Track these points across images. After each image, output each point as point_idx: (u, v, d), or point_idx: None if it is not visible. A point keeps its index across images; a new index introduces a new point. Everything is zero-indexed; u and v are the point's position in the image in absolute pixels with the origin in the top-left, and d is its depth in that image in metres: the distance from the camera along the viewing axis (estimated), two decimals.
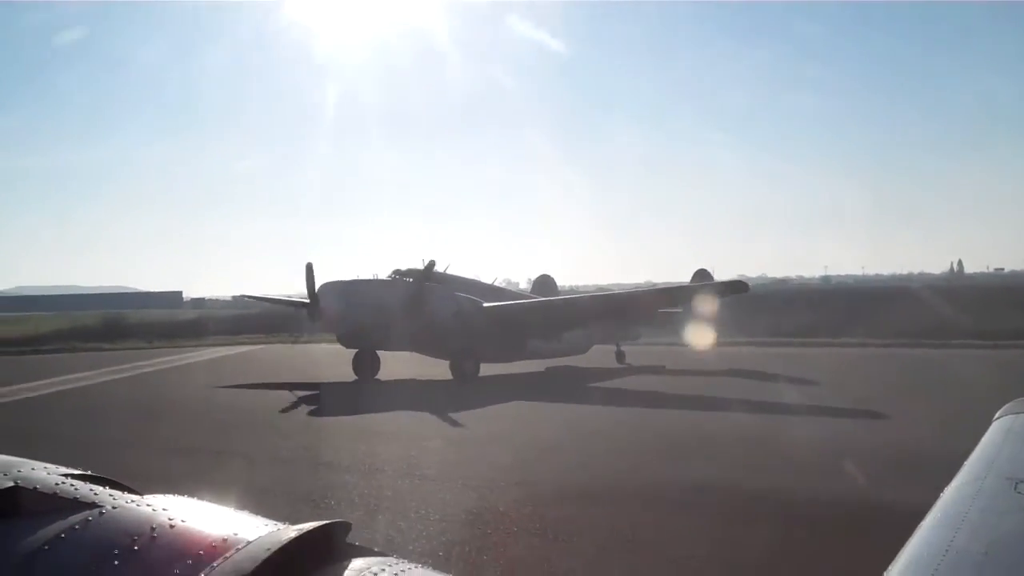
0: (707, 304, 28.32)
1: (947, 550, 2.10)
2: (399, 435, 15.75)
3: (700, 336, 32.50)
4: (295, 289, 29.33)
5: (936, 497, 2.51)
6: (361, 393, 23.33)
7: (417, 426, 16.82)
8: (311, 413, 19.20)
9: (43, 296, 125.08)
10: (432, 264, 25.61)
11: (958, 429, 3.67)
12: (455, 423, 16.91)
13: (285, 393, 22.24)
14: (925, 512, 2.41)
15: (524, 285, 54.17)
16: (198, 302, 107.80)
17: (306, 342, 28.55)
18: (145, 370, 31.02)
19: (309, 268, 25.25)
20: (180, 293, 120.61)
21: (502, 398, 20.78)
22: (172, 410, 19.84)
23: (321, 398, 21.73)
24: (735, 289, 26.37)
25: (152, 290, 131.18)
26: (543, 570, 8.23)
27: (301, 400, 21.12)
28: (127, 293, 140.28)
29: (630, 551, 8.64)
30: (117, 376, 28.55)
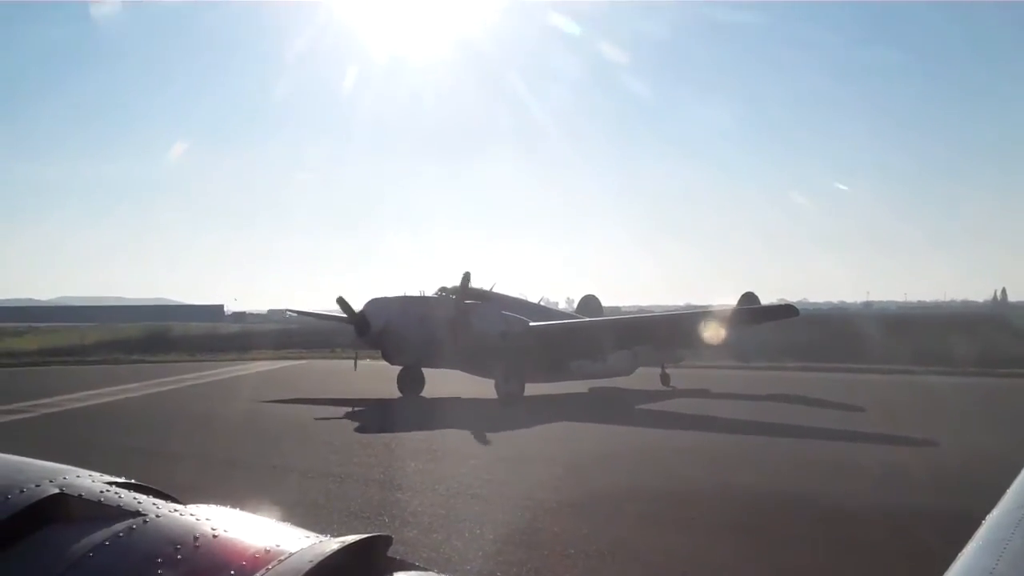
0: (753, 328, 28.23)
1: None
2: (449, 454, 15.70)
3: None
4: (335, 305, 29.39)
5: (979, 524, 2.47)
6: (407, 410, 23.32)
7: (466, 445, 16.78)
8: (358, 429, 19.24)
9: (86, 307, 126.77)
10: (468, 276, 25.43)
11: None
12: (503, 442, 16.87)
13: (331, 408, 22.34)
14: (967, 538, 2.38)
15: (563, 305, 54.12)
16: (239, 316, 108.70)
17: (354, 358, 28.34)
18: (189, 383, 31.28)
19: (341, 301, 25.60)
20: (222, 307, 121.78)
21: (549, 418, 20.66)
22: (218, 424, 19.94)
23: (368, 414, 21.80)
24: (784, 314, 26.09)
25: (193, 303, 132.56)
26: None
27: (348, 416, 21.19)
28: (169, 305, 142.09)
29: None
30: (162, 389, 28.83)
